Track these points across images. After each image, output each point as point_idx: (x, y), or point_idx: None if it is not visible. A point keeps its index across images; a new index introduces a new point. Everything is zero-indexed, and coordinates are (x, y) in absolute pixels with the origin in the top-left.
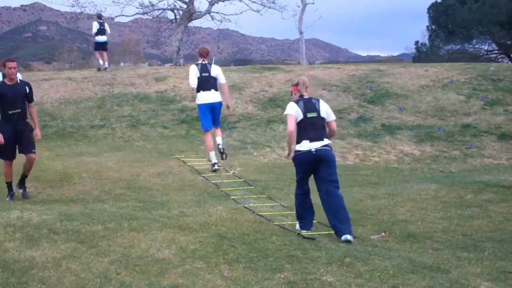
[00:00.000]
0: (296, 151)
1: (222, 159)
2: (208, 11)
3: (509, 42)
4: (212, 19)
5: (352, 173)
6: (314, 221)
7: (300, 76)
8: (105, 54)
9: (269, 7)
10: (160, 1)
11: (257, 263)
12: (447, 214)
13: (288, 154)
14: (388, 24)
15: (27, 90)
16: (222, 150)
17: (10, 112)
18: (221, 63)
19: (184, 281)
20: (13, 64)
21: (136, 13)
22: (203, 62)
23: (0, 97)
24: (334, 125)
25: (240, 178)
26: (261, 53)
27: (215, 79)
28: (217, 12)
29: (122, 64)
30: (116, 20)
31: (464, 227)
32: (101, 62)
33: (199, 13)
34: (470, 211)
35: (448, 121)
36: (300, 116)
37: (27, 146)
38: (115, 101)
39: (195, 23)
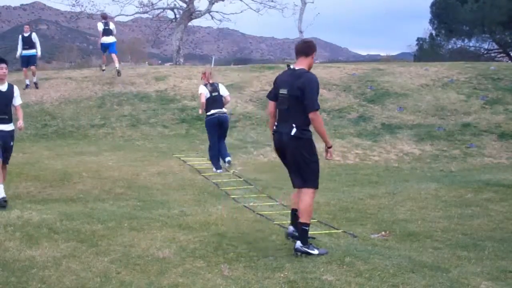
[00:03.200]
0: (207, 116)
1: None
2: (208, 10)
3: (509, 40)
4: (212, 18)
5: (352, 172)
6: (314, 220)
7: (206, 67)
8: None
9: (269, 7)
10: (160, 0)
11: (257, 262)
12: (447, 213)
13: (202, 113)
14: (388, 23)
15: None
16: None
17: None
18: (221, 62)
19: (184, 280)
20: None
21: (136, 13)
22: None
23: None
24: (228, 98)
25: (240, 177)
26: (261, 52)
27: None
28: (217, 11)
29: (122, 63)
30: (116, 19)
31: (464, 226)
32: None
33: (199, 12)
34: (470, 210)
35: (448, 120)
36: (208, 95)
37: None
38: (115, 100)
39: (195, 22)
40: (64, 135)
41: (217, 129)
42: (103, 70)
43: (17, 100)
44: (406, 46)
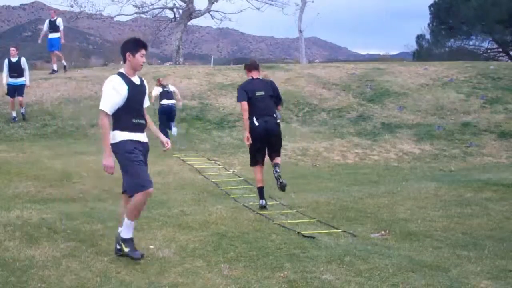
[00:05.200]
0: (160, 106)
1: None
2: (208, 10)
3: (509, 39)
4: (212, 18)
5: (352, 171)
6: (314, 220)
7: (160, 78)
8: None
9: (270, 4)
10: (159, 0)
11: (257, 261)
12: (447, 212)
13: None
14: (388, 22)
15: None
16: None
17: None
18: (221, 62)
19: (184, 280)
20: None
21: (135, 12)
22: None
23: None
24: (176, 91)
25: (240, 177)
26: (260, 51)
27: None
28: (216, 11)
29: (122, 63)
30: (115, 19)
31: (464, 226)
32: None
33: (198, 11)
34: (470, 209)
35: (447, 120)
36: (160, 90)
37: None
38: None
39: (194, 21)
40: (64, 135)
41: (167, 114)
42: (56, 71)
43: (147, 100)
44: (405, 45)
